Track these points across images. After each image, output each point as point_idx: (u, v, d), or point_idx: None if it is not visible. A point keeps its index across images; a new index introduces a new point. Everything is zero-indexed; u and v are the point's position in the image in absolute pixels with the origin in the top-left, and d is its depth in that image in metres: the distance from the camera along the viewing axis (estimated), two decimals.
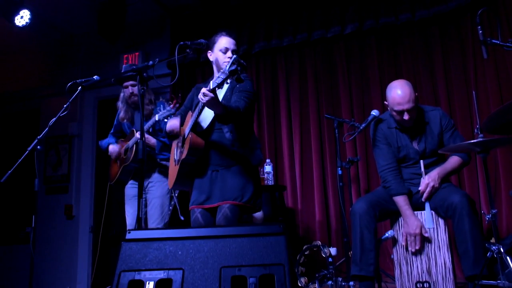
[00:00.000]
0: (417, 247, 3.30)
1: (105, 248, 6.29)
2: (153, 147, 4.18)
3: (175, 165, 3.16)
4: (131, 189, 4.37)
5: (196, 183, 3.13)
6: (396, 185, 3.43)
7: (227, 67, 2.59)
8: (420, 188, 3.37)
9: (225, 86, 3.11)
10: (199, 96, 2.72)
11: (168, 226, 4.55)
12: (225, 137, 3.02)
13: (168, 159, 4.41)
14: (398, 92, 3.38)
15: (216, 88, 2.64)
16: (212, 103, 2.71)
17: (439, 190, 3.36)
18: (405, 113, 3.36)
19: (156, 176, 4.30)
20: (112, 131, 4.65)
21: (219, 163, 3.04)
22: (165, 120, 3.88)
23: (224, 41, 3.18)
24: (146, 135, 3.91)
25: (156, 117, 3.87)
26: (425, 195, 3.34)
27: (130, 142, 4.22)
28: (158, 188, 4.27)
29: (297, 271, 4.11)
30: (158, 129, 4.27)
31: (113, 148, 4.42)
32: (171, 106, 3.84)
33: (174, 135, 3.22)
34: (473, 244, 3.07)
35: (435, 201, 3.35)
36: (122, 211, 4.47)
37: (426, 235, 3.30)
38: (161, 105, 4.00)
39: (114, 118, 6.91)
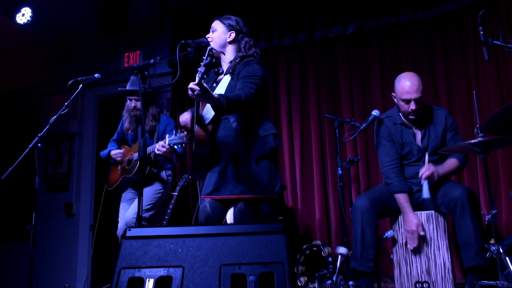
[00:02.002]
0: (415, 245, 3.30)
1: (105, 246, 6.31)
2: (171, 158, 4.12)
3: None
4: (127, 193, 4.44)
5: (208, 174, 3.08)
6: (398, 183, 3.44)
7: (204, 60, 2.59)
8: (420, 171, 3.34)
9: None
10: (189, 92, 2.64)
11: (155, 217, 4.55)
12: (232, 127, 2.96)
13: (173, 168, 4.54)
14: (407, 82, 3.43)
15: (203, 81, 2.58)
16: (202, 96, 2.63)
17: (440, 187, 3.37)
18: (412, 102, 3.39)
19: (150, 185, 4.35)
20: (114, 137, 4.66)
21: (228, 154, 2.97)
22: (175, 146, 3.79)
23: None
24: (163, 147, 3.85)
25: (167, 141, 3.74)
26: (424, 175, 3.29)
27: (135, 155, 4.22)
28: (149, 188, 4.29)
29: (297, 270, 4.12)
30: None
31: (116, 151, 4.43)
32: (184, 134, 3.75)
33: (188, 128, 3.18)
34: (475, 236, 3.09)
35: (436, 198, 3.36)
36: (115, 213, 4.50)
37: (422, 233, 3.30)
38: (172, 130, 3.97)
39: (114, 117, 6.95)
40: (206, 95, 2.63)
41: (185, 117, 3.18)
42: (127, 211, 4.28)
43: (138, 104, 4.28)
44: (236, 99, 2.78)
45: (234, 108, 2.81)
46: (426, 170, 3.33)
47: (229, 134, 2.98)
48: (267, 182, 2.95)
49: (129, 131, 4.42)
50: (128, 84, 4.35)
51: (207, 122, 3.02)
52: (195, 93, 2.59)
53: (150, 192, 4.28)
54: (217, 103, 2.71)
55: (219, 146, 3.01)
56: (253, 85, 2.91)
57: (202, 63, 2.63)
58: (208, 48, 2.72)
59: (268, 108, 3.21)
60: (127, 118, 4.40)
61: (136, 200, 4.27)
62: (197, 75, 2.59)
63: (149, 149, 4.08)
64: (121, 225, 4.32)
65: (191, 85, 2.59)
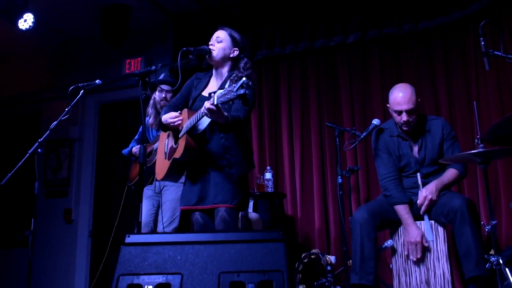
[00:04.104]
0: (418, 256, 3.29)
1: (103, 252, 6.29)
2: None
3: (165, 158, 3.21)
4: (146, 190, 4.43)
5: (187, 184, 3.18)
6: (397, 194, 3.43)
7: (235, 88, 2.58)
8: (418, 202, 3.38)
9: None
10: (202, 110, 2.76)
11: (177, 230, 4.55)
12: (220, 143, 3.04)
13: None
14: (400, 93, 3.44)
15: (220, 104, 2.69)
16: (216, 116, 2.78)
17: (440, 197, 3.36)
18: (404, 114, 3.39)
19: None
20: (136, 137, 4.71)
21: (211, 166, 3.05)
22: None
23: (214, 35, 3.24)
24: None
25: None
26: (423, 208, 3.35)
27: (155, 145, 4.26)
28: (172, 192, 4.31)
29: (295, 279, 4.11)
30: None
31: (137, 148, 4.47)
32: None
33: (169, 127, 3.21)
34: (476, 246, 3.08)
35: (436, 207, 3.35)
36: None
37: (426, 244, 3.29)
38: None
39: (115, 123, 6.96)
40: (219, 116, 2.80)
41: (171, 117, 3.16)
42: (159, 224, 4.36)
43: (168, 95, 4.42)
44: (237, 118, 2.94)
45: (235, 127, 2.99)
46: (422, 200, 3.33)
47: (216, 148, 3.06)
48: (243, 196, 3.08)
49: (153, 126, 4.49)
50: (162, 75, 4.51)
51: (198, 133, 3.08)
52: (210, 114, 2.73)
53: (174, 199, 4.30)
54: (225, 120, 2.86)
55: (204, 158, 3.07)
56: (247, 109, 3.03)
57: (231, 89, 2.60)
58: (245, 81, 2.64)
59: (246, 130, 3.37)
60: (152, 113, 4.46)
61: (163, 208, 4.32)
62: (218, 96, 2.62)
63: None
64: (143, 222, 4.36)
65: (209, 105, 2.68)
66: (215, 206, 3.01)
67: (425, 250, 3.33)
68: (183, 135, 3.02)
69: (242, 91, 2.59)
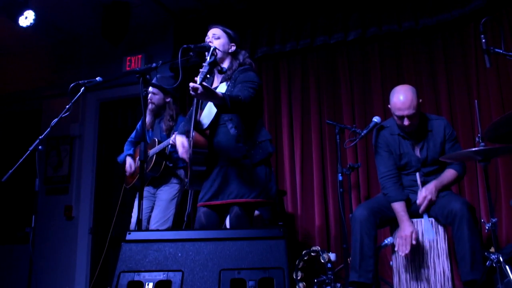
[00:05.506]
0: (406, 251, 3.26)
1: (104, 249, 6.30)
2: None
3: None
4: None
5: (205, 182, 3.11)
6: (394, 192, 3.42)
7: (207, 60, 2.64)
8: (417, 202, 3.37)
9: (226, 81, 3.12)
10: (191, 92, 2.64)
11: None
12: (230, 133, 3.00)
13: (184, 168, 4.42)
14: (400, 97, 3.39)
15: (204, 82, 2.60)
16: (205, 95, 2.64)
17: (439, 198, 3.36)
18: (405, 119, 3.37)
19: (168, 183, 4.36)
20: (132, 137, 4.66)
21: (226, 159, 3.01)
22: None
23: (208, 33, 3.22)
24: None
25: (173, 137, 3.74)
26: (422, 208, 3.34)
27: (151, 152, 4.24)
28: (166, 192, 4.31)
29: (296, 276, 4.11)
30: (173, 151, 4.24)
31: (129, 164, 4.45)
32: None
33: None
34: (471, 250, 3.07)
35: (435, 208, 3.35)
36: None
37: (414, 242, 3.27)
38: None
39: (115, 120, 6.96)
40: (209, 94, 2.66)
41: (180, 141, 3.12)
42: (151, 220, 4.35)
43: (154, 98, 4.35)
44: (235, 98, 2.81)
45: (235, 107, 2.82)
46: (422, 199, 3.33)
47: (227, 139, 3.02)
48: (263, 186, 3.00)
49: (150, 128, 4.45)
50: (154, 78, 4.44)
51: (204, 127, 3.04)
52: (198, 91, 2.59)
53: (167, 200, 4.30)
54: (221, 101, 2.74)
55: (217, 152, 3.04)
56: (250, 89, 2.95)
57: (204, 63, 2.65)
58: (212, 48, 2.75)
59: (263, 114, 3.25)
60: (148, 114, 4.43)
61: (156, 208, 4.31)
62: (199, 75, 2.61)
63: (164, 143, 4.16)
64: (133, 221, 4.38)
65: (193, 84, 2.59)
66: (230, 201, 2.96)
67: (424, 247, 3.33)
68: (192, 135, 2.99)
69: (212, 59, 2.63)
